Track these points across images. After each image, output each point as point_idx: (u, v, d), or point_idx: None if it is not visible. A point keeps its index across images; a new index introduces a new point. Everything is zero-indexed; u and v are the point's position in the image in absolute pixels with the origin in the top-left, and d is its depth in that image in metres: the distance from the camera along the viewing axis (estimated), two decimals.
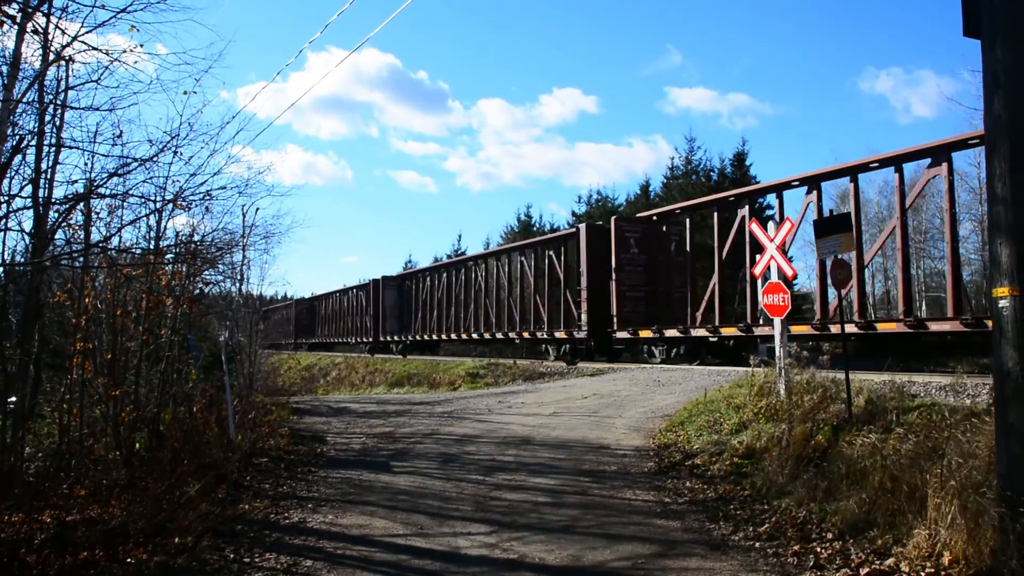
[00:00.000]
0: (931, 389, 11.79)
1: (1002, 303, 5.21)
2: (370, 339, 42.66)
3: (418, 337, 38.23)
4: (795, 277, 12.22)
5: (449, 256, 55.89)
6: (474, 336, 32.73)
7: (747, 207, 20.18)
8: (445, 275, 36.26)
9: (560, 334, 26.63)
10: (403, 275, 43.73)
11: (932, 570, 5.38)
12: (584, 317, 25.25)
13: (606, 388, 17.11)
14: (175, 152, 8.95)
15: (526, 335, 28.52)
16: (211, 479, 8.70)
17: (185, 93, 8.67)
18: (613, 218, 25.19)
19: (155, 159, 8.43)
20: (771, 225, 12.17)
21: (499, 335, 30.72)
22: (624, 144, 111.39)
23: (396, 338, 40.31)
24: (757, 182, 30.65)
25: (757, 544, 6.54)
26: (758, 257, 12.30)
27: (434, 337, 36.68)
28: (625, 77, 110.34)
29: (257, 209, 15.27)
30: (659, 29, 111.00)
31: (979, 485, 5.47)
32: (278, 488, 9.19)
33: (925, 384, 12.12)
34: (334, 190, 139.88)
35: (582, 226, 26.66)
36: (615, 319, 24.13)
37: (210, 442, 10.50)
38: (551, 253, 27.63)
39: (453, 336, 34.61)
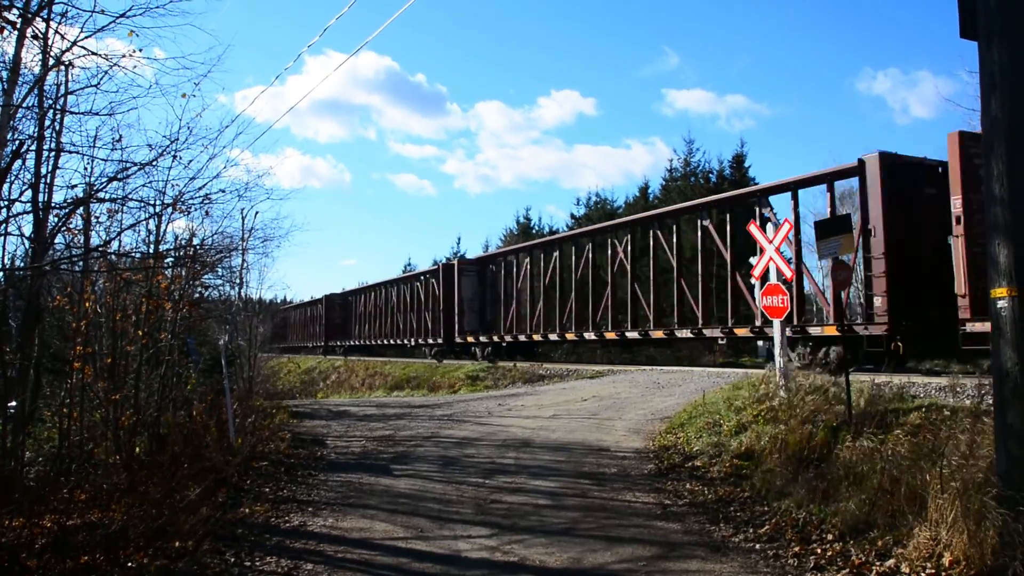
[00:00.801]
0: (931, 390, 11.80)
1: (1000, 303, 5.22)
2: (437, 340, 34.47)
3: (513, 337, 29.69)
4: (793, 279, 12.23)
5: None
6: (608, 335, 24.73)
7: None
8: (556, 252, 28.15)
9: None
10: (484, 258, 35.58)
11: (933, 571, 5.38)
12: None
13: (606, 390, 17.10)
14: (174, 156, 8.99)
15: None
16: (211, 483, 8.71)
17: (184, 96, 8.69)
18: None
19: (154, 163, 8.46)
20: (770, 227, 12.19)
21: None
22: (622, 146, 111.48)
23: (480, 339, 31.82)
24: (756, 183, 30.57)
25: (757, 546, 6.54)
26: (756, 259, 12.32)
27: (536, 337, 28.35)
28: (623, 79, 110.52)
29: (256, 213, 15.34)
30: (656, 31, 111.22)
31: (980, 486, 5.47)
32: (278, 492, 9.19)
33: (925, 385, 12.13)
34: (332, 193, 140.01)
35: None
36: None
37: (210, 446, 10.51)
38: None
39: (587, 336, 25.48)
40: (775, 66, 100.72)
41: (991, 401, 6.14)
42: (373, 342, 43.81)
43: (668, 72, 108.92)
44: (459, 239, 63.30)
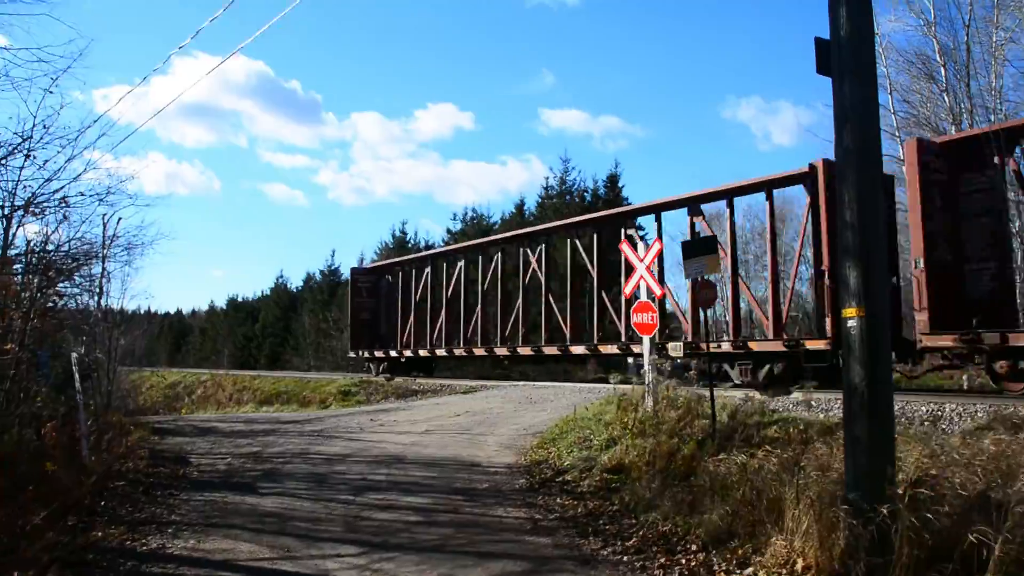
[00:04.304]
0: (788, 404, 12.42)
1: (850, 323, 5.55)
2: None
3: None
4: (663, 296, 12.59)
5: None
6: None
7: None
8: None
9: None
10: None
11: (787, 574, 5.64)
12: None
13: (479, 405, 17.15)
14: (27, 155, 8.42)
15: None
16: (59, 506, 8.15)
17: (46, 91, 8.18)
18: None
19: (4, 161, 7.90)
20: (641, 246, 12.57)
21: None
22: (498, 162, 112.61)
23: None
24: (629, 203, 31.53)
25: (625, 558, 6.67)
26: (628, 277, 12.67)
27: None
28: (500, 95, 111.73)
29: (119, 219, 14.51)
30: (533, 50, 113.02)
31: (832, 495, 5.77)
32: (135, 513, 8.70)
33: (783, 400, 12.75)
34: (200, 201, 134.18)
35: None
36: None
37: (60, 465, 9.85)
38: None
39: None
40: (648, 89, 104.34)
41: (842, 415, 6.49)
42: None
43: (544, 91, 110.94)
44: (333, 252, 62.19)
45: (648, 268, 12.20)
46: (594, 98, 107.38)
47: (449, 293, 27.03)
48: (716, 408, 10.89)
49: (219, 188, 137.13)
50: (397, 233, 50.47)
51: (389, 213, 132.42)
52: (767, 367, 15.77)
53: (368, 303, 32.21)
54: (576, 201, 37.16)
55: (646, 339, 12.04)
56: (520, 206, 41.83)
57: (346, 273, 53.91)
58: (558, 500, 8.91)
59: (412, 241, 49.76)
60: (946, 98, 31.37)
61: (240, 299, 72.02)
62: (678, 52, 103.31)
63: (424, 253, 33.25)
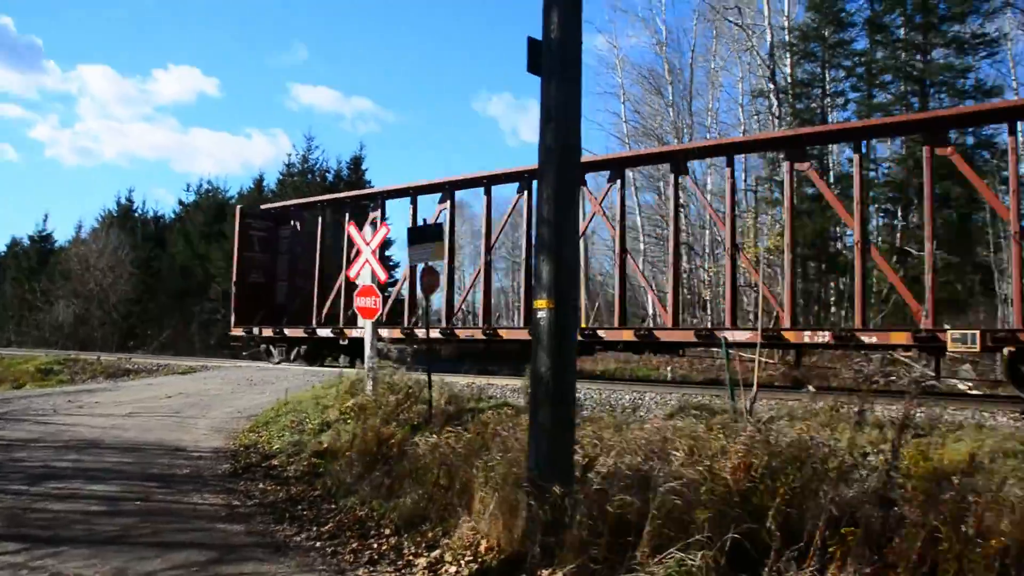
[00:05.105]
0: (506, 391, 12.90)
1: (540, 314, 5.81)
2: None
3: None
4: (388, 281, 12.49)
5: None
6: None
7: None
8: None
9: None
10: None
11: (471, 558, 5.81)
12: None
13: (195, 387, 16.23)
14: None
15: None
16: None
17: None
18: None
19: None
20: (368, 229, 12.44)
21: None
22: (243, 135, 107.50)
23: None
24: (371, 186, 31.28)
25: (318, 544, 6.56)
26: (353, 260, 12.52)
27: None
28: (249, 64, 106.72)
29: None
30: (287, 21, 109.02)
31: (516, 478, 6.02)
32: None
33: (503, 387, 13.22)
34: None
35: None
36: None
37: None
38: None
39: None
40: (403, 75, 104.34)
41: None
42: None
43: (296, 65, 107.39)
44: (46, 216, 55.89)
45: (374, 252, 12.11)
46: (348, 78, 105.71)
47: None
48: (435, 393, 11.07)
49: None
50: (123, 201, 46.21)
51: (120, 178, 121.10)
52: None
53: (262, 259, 23.66)
54: (317, 181, 36.27)
55: (368, 323, 11.97)
56: (259, 181, 40.09)
57: (63, 238, 48.93)
58: (261, 485, 8.62)
59: (140, 211, 46.05)
60: (671, 113, 34.30)
61: None
62: (436, 41, 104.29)
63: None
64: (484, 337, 16.82)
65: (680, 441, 6.53)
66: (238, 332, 22.65)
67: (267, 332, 21.94)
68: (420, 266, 11.57)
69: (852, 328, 13.55)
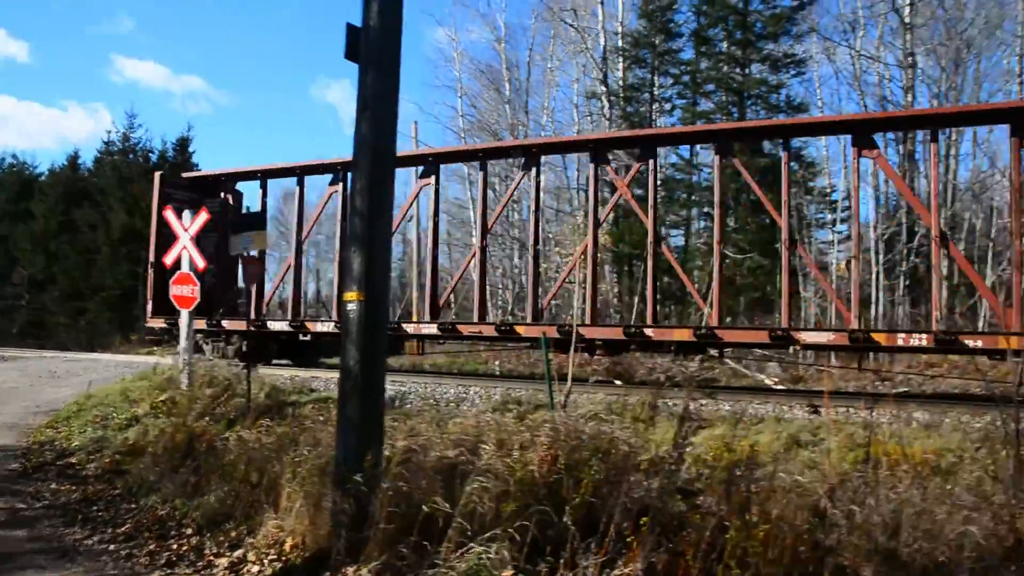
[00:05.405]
0: (330, 384, 12.64)
1: (350, 306, 5.72)
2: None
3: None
4: (206, 269, 11.70)
5: None
6: None
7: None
8: None
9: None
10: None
11: (275, 556, 5.65)
12: None
13: None
14: None
15: None
16: None
17: None
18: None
19: None
20: (187, 214, 11.83)
21: None
22: (58, 106, 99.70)
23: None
24: (198, 168, 29.84)
25: (112, 547, 6.18)
26: (171, 246, 11.89)
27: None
28: (67, 31, 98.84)
29: None
30: None
31: (324, 472, 5.91)
32: None
33: (327, 380, 12.96)
34: None
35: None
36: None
37: None
38: None
39: None
40: (237, 56, 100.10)
41: None
42: None
43: (121, 36, 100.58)
44: None
45: (192, 238, 11.51)
46: (177, 54, 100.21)
47: None
48: (255, 387, 10.69)
49: None
50: None
51: None
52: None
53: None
54: (140, 161, 34.16)
55: (185, 312, 11.38)
56: (74, 159, 37.28)
57: None
58: (53, 486, 8.04)
59: None
60: (508, 110, 34.75)
61: None
62: (271, 21, 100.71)
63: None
64: (291, 330, 16.28)
65: (492, 434, 6.61)
66: (157, 323, 18.48)
67: (199, 324, 16.92)
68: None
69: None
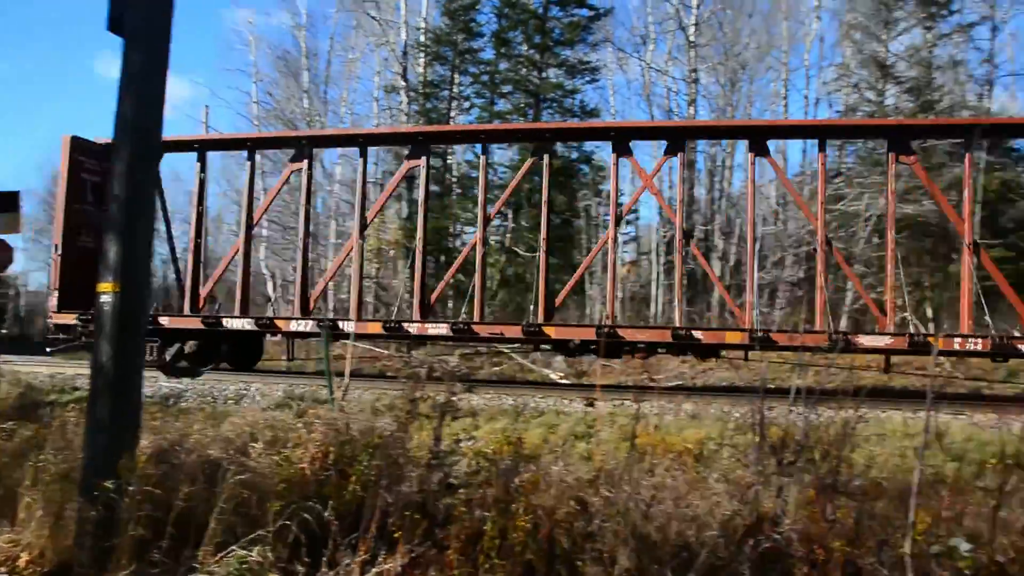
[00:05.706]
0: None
1: (104, 298, 5.27)
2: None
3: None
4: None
5: None
6: None
7: None
8: None
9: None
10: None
11: (7, 573, 5.13)
12: None
13: None
14: None
15: None
16: None
17: None
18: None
19: None
20: None
21: None
22: None
23: None
24: None
25: None
26: None
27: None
28: None
29: None
30: None
31: (71, 478, 5.44)
32: None
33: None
34: None
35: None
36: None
37: None
38: None
39: None
40: (11, 24, 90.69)
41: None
42: None
43: None
44: None
45: None
46: None
47: None
48: (4, 387, 9.74)
49: None
50: None
51: None
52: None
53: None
54: None
55: None
56: None
57: None
58: None
59: None
60: (306, 99, 33.78)
61: None
62: None
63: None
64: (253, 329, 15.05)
65: (265, 432, 6.38)
66: (65, 319, 14.92)
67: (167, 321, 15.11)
68: None
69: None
